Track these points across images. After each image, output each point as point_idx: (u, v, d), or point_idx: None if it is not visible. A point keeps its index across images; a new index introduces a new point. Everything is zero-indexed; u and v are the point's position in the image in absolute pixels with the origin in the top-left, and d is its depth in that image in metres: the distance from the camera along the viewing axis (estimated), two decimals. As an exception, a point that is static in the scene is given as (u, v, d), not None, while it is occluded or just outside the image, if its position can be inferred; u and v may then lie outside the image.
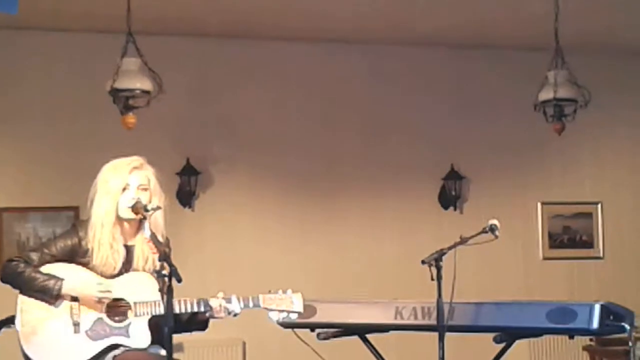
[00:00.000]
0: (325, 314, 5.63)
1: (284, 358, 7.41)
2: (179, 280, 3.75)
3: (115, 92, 6.40)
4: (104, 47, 6.83)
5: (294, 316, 4.17)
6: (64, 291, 4.01)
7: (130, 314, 4.06)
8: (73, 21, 7.33)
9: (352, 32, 7.86)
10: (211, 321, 4.22)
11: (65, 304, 4.05)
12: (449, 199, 8.31)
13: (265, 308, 4.14)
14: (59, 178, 7.39)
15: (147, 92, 6.42)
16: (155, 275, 3.82)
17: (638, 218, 8.72)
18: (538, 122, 7.32)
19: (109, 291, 4.02)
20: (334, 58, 8.17)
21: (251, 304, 4.14)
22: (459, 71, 8.42)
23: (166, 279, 3.70)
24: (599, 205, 8.65)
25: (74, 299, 4.03)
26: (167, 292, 3.70)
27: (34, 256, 4.11)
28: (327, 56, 8.15)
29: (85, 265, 4.12)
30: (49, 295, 4.01)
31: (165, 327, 3.73)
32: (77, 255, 4.14)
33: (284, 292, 4.17)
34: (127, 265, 4.17)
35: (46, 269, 4.08)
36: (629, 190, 8.69)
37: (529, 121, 7.67)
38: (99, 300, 4.03)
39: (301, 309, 4.17)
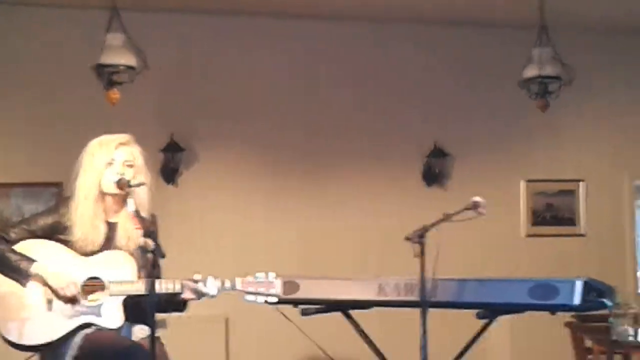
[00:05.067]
0: (308, 290, 5.66)
1: (267, 334, 7.45)
2: (163, 256, 3.76)
3: (99, 68, 6.39)
4: (89, 22, 6.81)
5: (272, 299, 4.17)
6: (33, 272, 4.01)
7: (104, 293, 4.06)
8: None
9: (339, 8, 7.84)
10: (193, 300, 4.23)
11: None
12: (433, 176, 8.32)
13: (242, 290, 4.14)
14: (42, 154, 7.36)
15: (131, 68, 6.42)
16: (139, 251, 3.83)
17: (620, 196, 8.76)
18: (522, 99, 7.36)
19: (71, 290, 4.02)
20: (319, 34, 8.14)
21: (228, 287, 4.14)
22: (443, 49, 8.41)
23: (149, 255, 3.71)
24: (582, 183, 8.67)
25: (45, 282, 4.04)
26: (152, 268, 3.71)
27: (12, 233, 4.11)
28: (313, 32, 8.12)
29: (66, 242, 4.12)
30: (20, 275, 4.02)
31: (148, 304, 3.74)
32: (57, 232, 4.14)
33: (265, 274, 4.17)
34: (109, 243, 4.17)
35: (23, 245, 4.08)
36: (611, 169, 8.72)
37: (513, 99, 7.70)
38: (58, 293, 4.03)
39: (280, 293, 4.16)
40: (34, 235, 4.12)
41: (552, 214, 8.61)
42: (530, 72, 7.13)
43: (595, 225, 8.64)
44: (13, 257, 4.03)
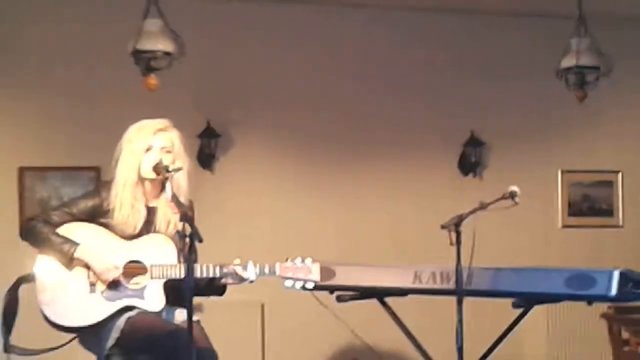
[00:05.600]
0: (344, 277, 5.67)
1: (302, 320, 7.47)
2: (200, 240, 3.78)
3: (137, 54, 6.41)
4: (126, 7, 6.83)
5: (310, 285, 4.19)
6: (76, 256, 4.05)
7: (146, 276, 4.10)
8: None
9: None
10: (230, 286, 4.26)
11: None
12: (469, 165, 8.29)
13: (281, 276, 4.17)
14: (81, 138, 7.41)
15: (168, 54, 6.43)
16: (177, 235, 3.85)
17: (658, 187, 8.70)
18: (560, 89, 7.30)
19: (113, 273, 4.06)
20: (355, 23, 8.12)
21: (267, 272, 4.16)
22: (482, 38, 8.36)
23: (187, 239, 3.73)
24: (619, 174, 8.61)
25: (88, 265, 4.08)
26: (189, 253, 3.73)
27: (55, 216, 4.16)
28: (347, 21, 8.10)
29: (106, 225, 4.16)
30: (64, 258, 4.06)
31: (186, 287, 3.77)
32: (98, 216, 4.18)
33: (303, 260, 4.19)
34: (149, 227, 4.21)
35: (65, 229, 4.12)
36: (649, 160, 8.66)
37: (550, 89, 7.64)
38: (99, 276, 4.08)
39: (318, 279, 4.18)
40: (75, 218, 4.16)
41: (589, 205, 8.56)
42: (568, 62, 7.08)
43: (632, 217, 8.58)
44: (57, 240, 4.08)
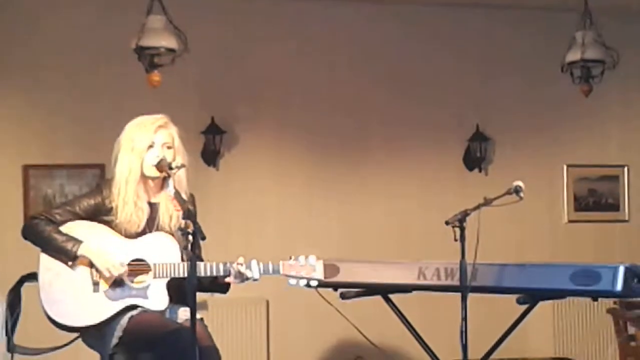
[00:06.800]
0: (348, 274, 5.66)
1: (307, 317, 7.47)
2: (203, 238, 3.77)
3: (140, 50, 6.40)
4: (130, 4, 6.82)
5: (314, 283, 4.18)
6: (80, 253, 4.04)
7: (149, 275, 4.09)
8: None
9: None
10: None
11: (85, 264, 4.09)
12: (474, 160, 8.27)
13: (285, 275, 4.16)
14: (85, 135, 7.40)
15: (172, 50, 6.42)
16: (180, 232, 3.84)
17: (664, 181, 8.67)
18: (565, 83, 7.28)
19: (118, 270, 4.04)
20: (360, 17, 8.10)
21: (271, 271, 4.15)
22: (486, 32, 8.34)
23: (190, 236, 3.72)
24: (625, 169, 8.58)
25: (91, 263, 4.07)
26: (193, 250, 3.72)
27: (57, 214, 4.14)
28: (353, 15, 8.08)
29: (109, 223, 4.15)
30: (67, 256, 4.05)
31: (188, 285, 3.75)
32: (100, 214, 4.17)
33: (306, 257, 4.17)
34: (152, 223, 4.20)
35: (68, 227, 4.11)
36: (655, 154, 8.63)
37: (555, 83, 7.62)
38: (103, 274, 4.06)
39: (322, 277, 4.17)
40: (77, 216, 4.14)
41: (595, 199, 8.53)
42: (573, 55, 7.05)
43: (638, 211, 8.55)
44: (60, 238, 4.06)
